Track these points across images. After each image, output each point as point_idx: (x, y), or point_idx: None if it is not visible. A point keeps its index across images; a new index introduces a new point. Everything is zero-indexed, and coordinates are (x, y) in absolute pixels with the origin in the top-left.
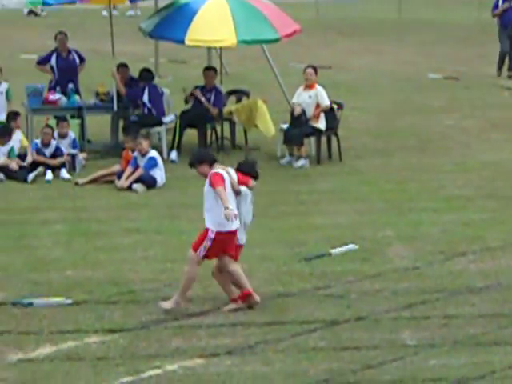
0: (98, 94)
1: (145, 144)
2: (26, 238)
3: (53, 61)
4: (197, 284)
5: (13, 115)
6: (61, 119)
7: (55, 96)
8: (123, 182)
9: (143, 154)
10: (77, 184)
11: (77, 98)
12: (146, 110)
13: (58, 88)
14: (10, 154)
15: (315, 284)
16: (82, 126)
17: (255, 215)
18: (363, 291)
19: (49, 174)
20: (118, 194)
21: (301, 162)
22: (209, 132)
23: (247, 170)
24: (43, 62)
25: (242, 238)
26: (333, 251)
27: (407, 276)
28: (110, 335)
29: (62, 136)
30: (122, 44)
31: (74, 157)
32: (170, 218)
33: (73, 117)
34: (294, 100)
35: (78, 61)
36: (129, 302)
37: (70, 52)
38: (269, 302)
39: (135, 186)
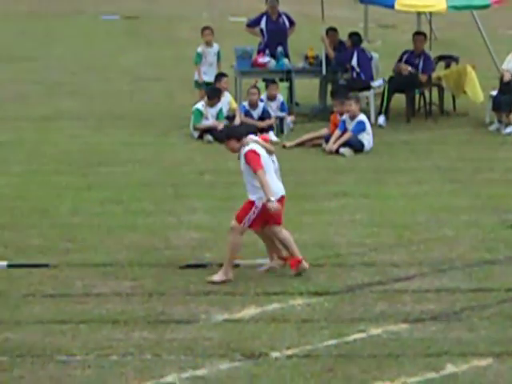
0: (306, 58)
1: (355, 106)
2: (233, 199)
3: (263, 24)
4: (403, 249)
5: (219, 76)
6: (270, 81)
7: (264, 59)
8: (331, 146)
9: (352, 118)
10: (284, 147)
11: (286, 61)
12: (354, 74)
13: (267, 51)
14: (218, 115)
15: None
16: (291, 89)
17: (461, 181)
18: None
19: None
20: (326, 158)
21: (509, 129)
22: (417, 97)
23: (253, 131)
24: (253, 24)
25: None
26: None
27: None
28: (316, 298)
29: (271, 98)
30: (332, 8)
31: (282, 119)
32: (377, 182)
33: (281, 80)
34: (504, 66)
35: (287, 24)
36: (335, 265)
37: (280, 15)
38: (475, 269)
39: (343, 149)
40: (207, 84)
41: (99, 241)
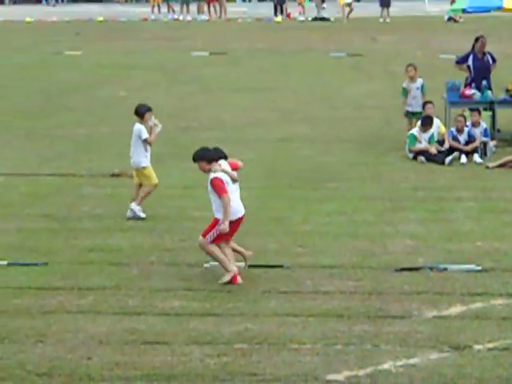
0: (507, 91)
1: None
2: (442, 212)
3: (470, 61)
4: None
5: (425, 104)
6: (474, 110)
7: (470, 91)
8: None
9: None
10: (487, 167)
11: (489, 93)
12: None
13: (473, 84)
14: (430, 139)
15: None
16: (493, 117)
17: None
18: None
19: (463, 158)
20: None
21: None
22: None
23: (223, 157)
24: (461, 61)
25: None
26: None
27: None
28: None
29: (475, 125)
30: None
31: (485, 144)
32: None
33: (485, 109)
34: None
35: (491, 61)
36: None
37: (484, 54)
38: None
39: None
40: (413, 114)
41: (326, 246)
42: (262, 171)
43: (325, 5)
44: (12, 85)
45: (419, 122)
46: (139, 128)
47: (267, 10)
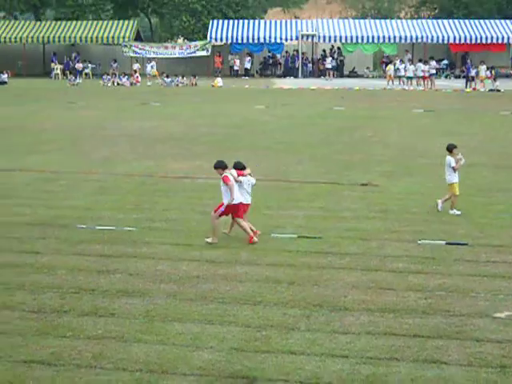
0: None
1: None
2: None
3: None
4: None
5: None
6: None
7: None
8: None
9: None
10: None
11: None
12: None
13: None
14: None
15: None
16: None
17: None
18: None
19: None
20: None
21: None
22: None
23: (239, 167)
24: None
25: (247, 198)
26: None
27: None
28: None
29: None
30: None
31: None
32: None
33: None
34: None
35: None
36: None
37: None
38: None
39: None
40: None
41: (496, 232)
42: None
43: (498, 82)
44: (303, 127)
45: None
46: (449, 159)
47: (460, 84)
